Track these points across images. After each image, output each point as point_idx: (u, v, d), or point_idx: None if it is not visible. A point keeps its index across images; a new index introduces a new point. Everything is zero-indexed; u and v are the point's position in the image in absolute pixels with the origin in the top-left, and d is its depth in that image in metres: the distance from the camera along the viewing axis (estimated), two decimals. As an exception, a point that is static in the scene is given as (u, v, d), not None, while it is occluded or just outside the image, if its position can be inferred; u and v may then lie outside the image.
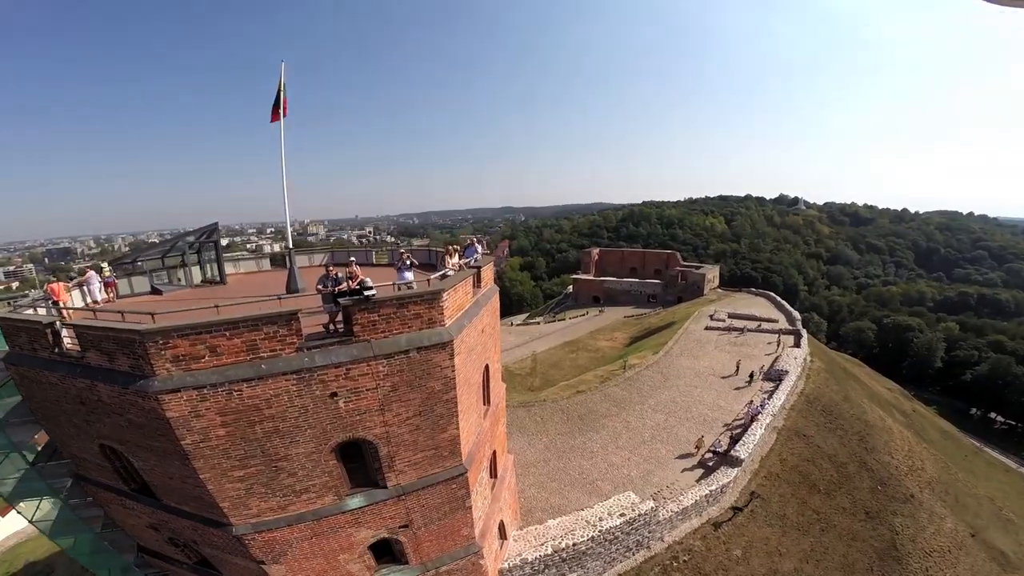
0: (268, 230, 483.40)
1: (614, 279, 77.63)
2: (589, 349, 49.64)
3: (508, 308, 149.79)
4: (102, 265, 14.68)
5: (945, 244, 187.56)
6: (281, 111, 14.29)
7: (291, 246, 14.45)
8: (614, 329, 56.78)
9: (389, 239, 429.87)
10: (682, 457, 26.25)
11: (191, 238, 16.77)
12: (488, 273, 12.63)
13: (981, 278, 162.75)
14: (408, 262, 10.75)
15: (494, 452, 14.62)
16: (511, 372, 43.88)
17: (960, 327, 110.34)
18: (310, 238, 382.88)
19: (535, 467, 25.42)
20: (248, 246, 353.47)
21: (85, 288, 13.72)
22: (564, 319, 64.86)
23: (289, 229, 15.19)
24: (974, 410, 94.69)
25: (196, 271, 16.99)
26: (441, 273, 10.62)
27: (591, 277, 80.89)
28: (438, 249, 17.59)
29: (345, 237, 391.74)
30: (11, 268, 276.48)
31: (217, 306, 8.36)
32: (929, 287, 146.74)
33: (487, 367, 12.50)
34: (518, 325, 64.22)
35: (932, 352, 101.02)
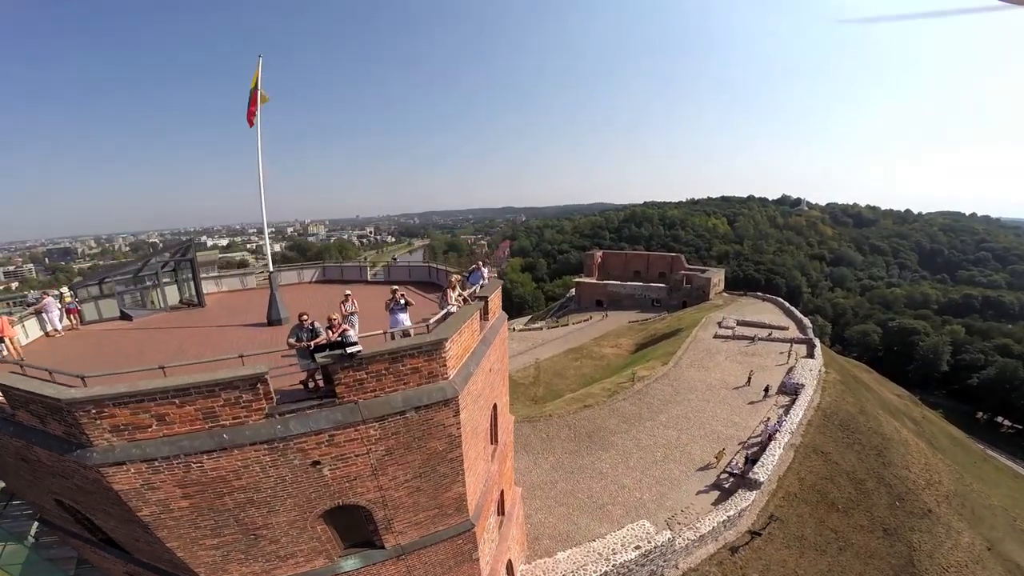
0: (269, 230, 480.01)
1: (617, 282, 76.32)
2: (594, 356, 48.36)
3: (509, 310, 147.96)
4: (62, 291, 13.30)
5: (949, 245, 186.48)
6: (257, 113, 12.89)
7: (271, 268, 12.95)
8: (619, 335, 55.48)
9: (390, 239, 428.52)
10: (701, 470, 25.23)
11: (166, 255, 15.38)
12: (496, 301, 11.17)
13: (985, 280, 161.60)
14: (402, 301, 9.30)
15: (502, 491, 13.33)
16: (514, 381, 42.60)
17: (966, 330, 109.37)
18: (310, 238, 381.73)
19: (541, 489, 24.14)
20: (248, 246, 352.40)
21: (44, 316, 12.34)
22: (567, 324, 63.59)
23: (269, 250, 13.61)
24: (980, 414, 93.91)
25: (172, 291, 15.55)
26: (443, 312, 9.16)
27: (594, 280, 79.58)
28: (439, 267, 16.11)
29: (346, 237, 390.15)
30: (11, 268, 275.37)
31: (163, 367, 7.01)
32: (933, 289, 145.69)
33: (495, 406, 11.18)
34: (520, 330, 62.92)
35: (938, 355, 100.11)
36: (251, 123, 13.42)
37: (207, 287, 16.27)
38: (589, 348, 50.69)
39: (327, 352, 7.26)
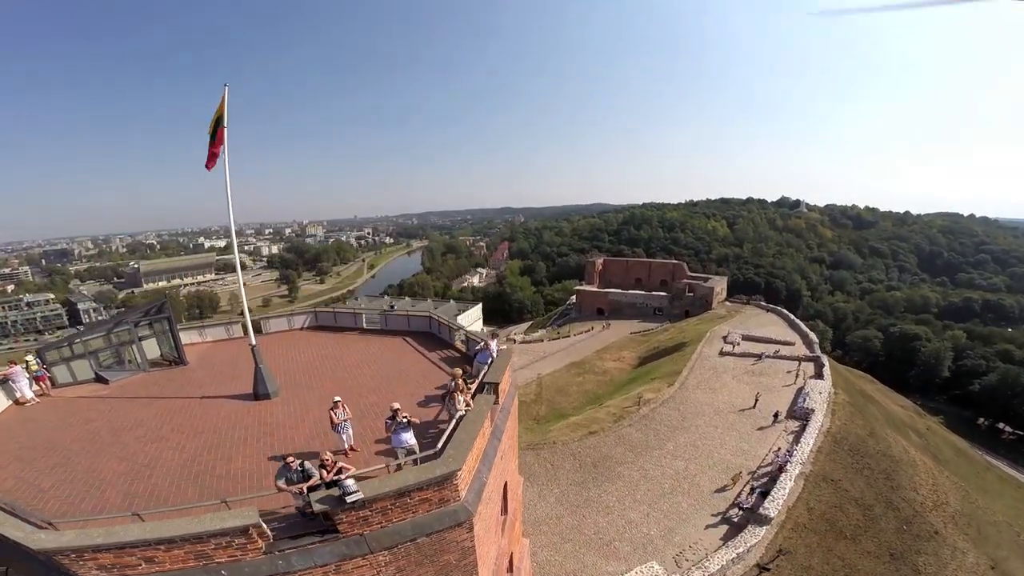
0: (267, 231, 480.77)
1: (619, 291, 75.73)
2: (596, 371, 47.67)
3: (508, 315, 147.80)
4: (27, 359, 12.49)
5: (948, 248, 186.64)
6: (224, 152, 11.66)
7: (253, 342, 11.76)
8: (621, 348, 54.84)
9: (388, 240, 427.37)
10: (718, 492, 25.01)
11: (140, 313, 14.40)
12: (506, 380, 10.29)
13: (985, 283, 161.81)
14: (405, 420, 8.44)
15: (512, 554, 12.64)
16: (516, 399, 41.99)
17: (967, 335, 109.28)
18: (308, 239, 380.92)
19: (547, 524, 23.48)
20: (246, 247, 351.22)
21: (12, 384, 11.56)
22: (568, 335, 62.93)
23: (248, 317, 12.48)
24: (982, 420, 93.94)
25: (151, 344, 14.54)
26: (453, 423, 8.30)
27: (595, 288, 78.99)
28: (440, 318, 15.05)
29: (344, 238, 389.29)
30: (7, 271, 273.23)
31: (140, 515, 6.33)
32: (933, 292, 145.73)
33: (506, 482, 10.44)
34: (521, 343, 62.23)
35: (940, 361, 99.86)
36: (211, 165, 12.04)
37: (190, 337, 15.36)
38: (591, 362, 50.01)
39: (323, 494, 6.53)
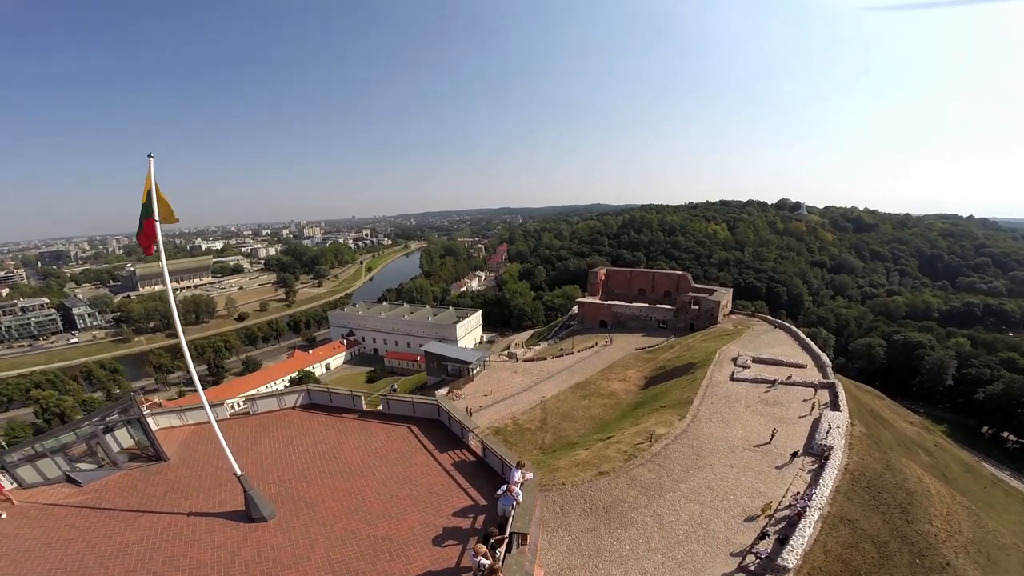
0: (264, 231, 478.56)
1: (622, 303, 74.71)
2: (602, 393, 46.66)
3: (508, 321, 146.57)
4: None
5: (948, 251, 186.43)
6: (158, 233, 10.56)
7: (238, 472, 10.43)
8: (626, 366, 53.82)
9: (386, 241, 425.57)
10: (748, 520, 24.65)
11: (106, 412, 13.21)
12: (534, 520, 9.02)
13: (986, 287, 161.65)
14: None
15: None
16: (519, 426, 40.86)
17: (971, 343, 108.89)
18: (306, 241, 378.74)
19: (558, 577, 22.48)
20: (243, 249, 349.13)
21: None
22: (572, 351, 61.86)
23: (232, 459, 10.84)
24: (986, 428, 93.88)
25: (124, 434, 13.34)
26: None
27: (598, 300, 77.98)
28: (452, 412, 13.53)
29: (342, 240, 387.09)
30: (2, 273, 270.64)
31: None
32: (935, 297, 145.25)
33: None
34: (523, 361, 61.12)
35: (944, 369, 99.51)
36: (150, 250, 10.89)
37: (169, 420, 14.19)
38: (597, 383, 48.99)
39: None
